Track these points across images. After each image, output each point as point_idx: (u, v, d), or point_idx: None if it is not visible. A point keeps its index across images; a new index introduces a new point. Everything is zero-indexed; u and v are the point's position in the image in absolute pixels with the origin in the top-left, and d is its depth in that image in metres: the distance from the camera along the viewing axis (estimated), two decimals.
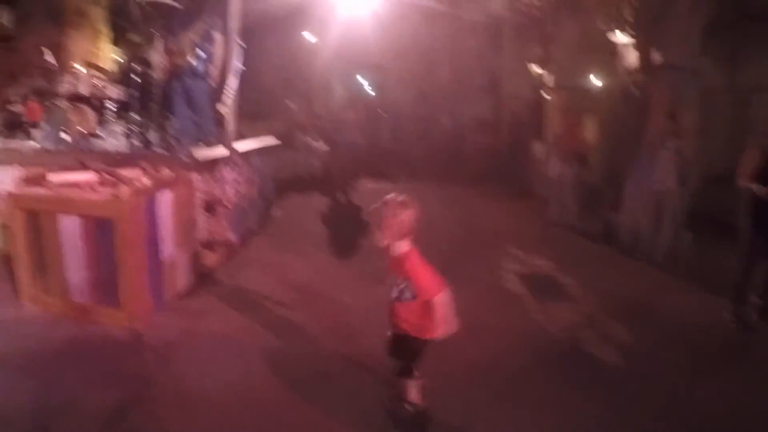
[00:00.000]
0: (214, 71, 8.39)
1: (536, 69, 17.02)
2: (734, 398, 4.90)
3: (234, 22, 7.74)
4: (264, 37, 18.55)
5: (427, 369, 4.27)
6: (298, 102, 17.22)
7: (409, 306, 4.01)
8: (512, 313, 6.64)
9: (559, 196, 11.57)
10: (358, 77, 22.63)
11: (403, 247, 4.00)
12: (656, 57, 10.54)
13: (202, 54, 8.49)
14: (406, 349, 4.12)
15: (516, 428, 4.29)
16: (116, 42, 11.92)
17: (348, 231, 9.93)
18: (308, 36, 21.01)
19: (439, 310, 3.85)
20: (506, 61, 17.74)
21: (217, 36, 8.38)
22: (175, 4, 8.94)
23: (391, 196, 4.02)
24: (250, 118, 14.68)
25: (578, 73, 14.39)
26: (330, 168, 15.35)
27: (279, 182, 11.84)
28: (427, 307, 3.90)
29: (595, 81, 14.54)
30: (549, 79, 15.28)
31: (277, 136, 12.16)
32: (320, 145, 16.02)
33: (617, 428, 4.39)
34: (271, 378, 4.88)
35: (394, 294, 4.05)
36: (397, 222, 3.92)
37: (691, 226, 9.97)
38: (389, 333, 4.19)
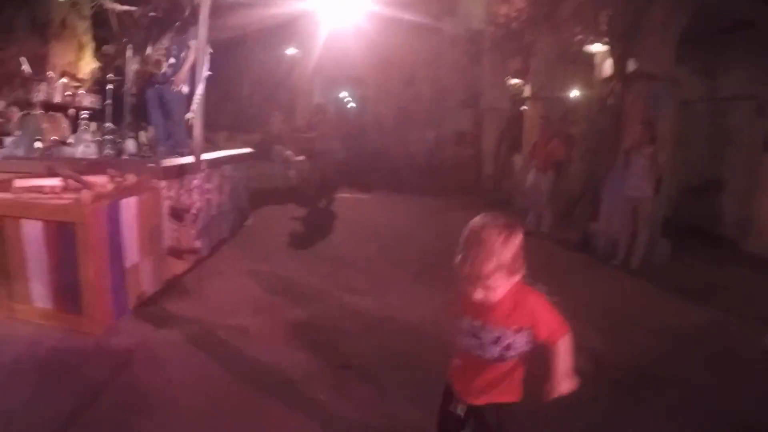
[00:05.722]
0: (180, 77, 8.36)
1: (515, 81, 17.14)
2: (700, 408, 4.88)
3: (204, 30, 7.70)
4: (247, 51, 18.64)
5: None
6: (278, 114, 17.23)
7: (509, 364, 2.82)
8: None
9: (534, 206, 11.61)
10: (340, 90, 22.74)
11: (513, 283, 2.73)
12: (632, 66, 10.57)
13: (176, 62, 8.49)
14: (503, 422, 2.90)
15: None
16: (97, 53, 11.99)
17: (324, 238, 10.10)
18: (291, 50, 21.14)
19: (569, 352, 2.81)
20: (486, 74, 17.81)
21: (192, 44, 8.36)
22: (153, 14, 8.98)
23: (485, 218, 2.75)
24: (230, 130, 14.72)
25: (555, 83, 14.52)
26: (308, 178, 15.34)
27: (254, 192, 11.77)
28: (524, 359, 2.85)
29: (573, 91, 14.63)
30: (527, 90, 15.34)
31: (255, 147, 12.14)
32: (297, 156, 16.02)
33: None
34: (231, 386, 4.77)
35: (494, 353, 2.76)
36: (512, 253, 2.65)
37: (670, 234, 10.05)
38: (460, 412, 2.98)
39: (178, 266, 7.49)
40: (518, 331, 2.73)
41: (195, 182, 7.82)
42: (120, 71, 9.69)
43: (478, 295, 2.66)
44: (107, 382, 4.70)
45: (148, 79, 8.69)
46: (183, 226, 7.54)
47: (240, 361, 5.25)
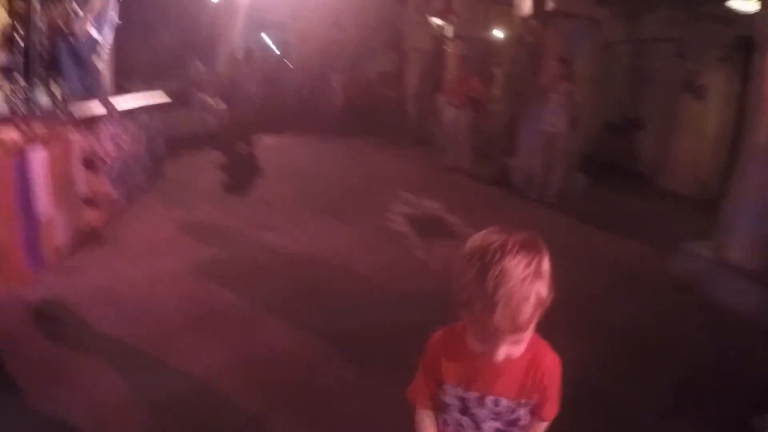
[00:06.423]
0: (84, 25, 8.22)
1: (437, 21, 17.15)
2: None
3: None
4: None
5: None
6: (198, 61, 16.95)
7: None
8: (393, 252, 6.81)
9: (453, 142, 11.86)
10: (261, 35, 22.43)
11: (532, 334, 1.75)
12: (550, 4, 10.67)
13: (82, 12, 8.32)
14: None
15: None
16: (10, 9, 11.62)
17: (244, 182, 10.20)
18: None
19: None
20: (409, 14, 17.78)
21: None
22: None
23: (499, 240, 1.73)
24: (148, 78, 14.41)
25: (476, 22, 14.58)
26: (228, 123, 15.17)
27: (172, 140, 11.65)
28: None
29: (493, 30, 14.73)
30: (448, 30, 15.39)
31: (173, 95, 11.96)
32: (217, 102, 15.80)
33: None
34: (149, 327, 4.82)
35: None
36: (548, 285, 1.69)
37: (587, 169, 10.35)
38: None
39: (95, 216, 7.38)
40: (526, 404, 1.85)
41: (108, 131, 7.72)
42: (28, 24, 9.47)
43: (500, 355, 1.69)
44: (25, 336, 4.68)
45: (56, 32, 8.51)
46: (97, 175, 7.46)
47: (156, 303, 5.33)
